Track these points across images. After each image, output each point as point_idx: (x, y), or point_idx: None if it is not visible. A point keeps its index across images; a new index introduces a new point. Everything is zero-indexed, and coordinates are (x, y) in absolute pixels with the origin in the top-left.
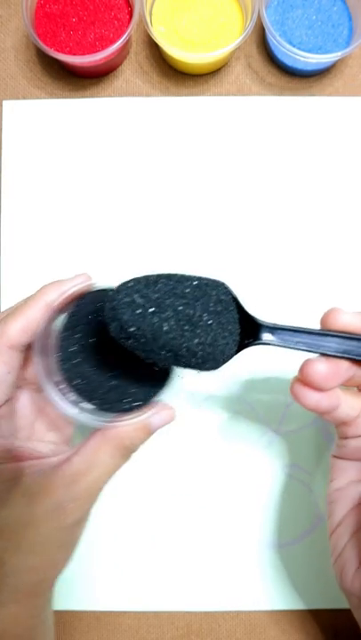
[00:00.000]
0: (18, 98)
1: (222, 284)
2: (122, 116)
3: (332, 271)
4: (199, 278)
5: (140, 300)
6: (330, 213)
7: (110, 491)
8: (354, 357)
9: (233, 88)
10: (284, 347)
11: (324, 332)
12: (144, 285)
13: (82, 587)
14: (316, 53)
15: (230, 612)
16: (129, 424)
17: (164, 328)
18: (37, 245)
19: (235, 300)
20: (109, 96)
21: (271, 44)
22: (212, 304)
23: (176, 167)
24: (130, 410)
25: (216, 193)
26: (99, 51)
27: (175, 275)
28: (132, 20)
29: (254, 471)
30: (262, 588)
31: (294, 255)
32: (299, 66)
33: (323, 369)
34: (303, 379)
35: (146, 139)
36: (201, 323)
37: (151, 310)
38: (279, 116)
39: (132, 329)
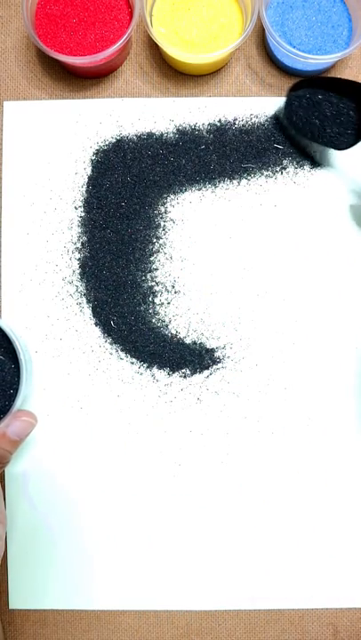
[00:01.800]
0: (18, 99)
1: None
2: (122, 117)
3: (333, 272)
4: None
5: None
6: (329, 213)
7: (109, 490)
8: None
9: (233, 88)
10: None
11: None
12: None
13: (82, 586)
14: (316, 54)
15: (230, 611)
16: None
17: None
18: (38, 245)
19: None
20: (110, 97)
21: (271, 44)
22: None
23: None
24: None
25: (216, 193)
26: (99, 51)
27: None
28: (132, 21)
29: (253, 471)
30: (262, 588)
31: (294, 258)
32: (298, 66)
33: None
34: None
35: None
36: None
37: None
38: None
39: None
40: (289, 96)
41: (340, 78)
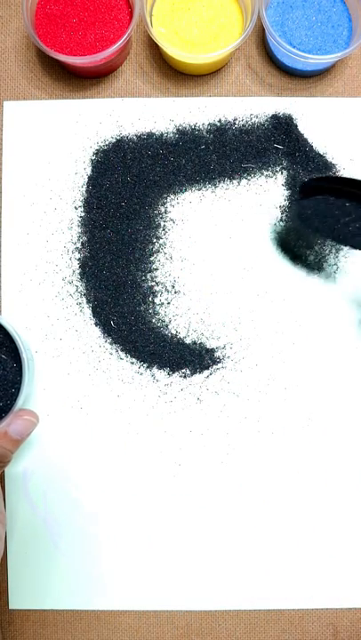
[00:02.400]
0: (18, 98)
1: None
2: (122, 117)
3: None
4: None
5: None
6: None
7: (109, 490)
8: None
9: (233, 88)
10: None
11: None
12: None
13: (82, 586)
14: (316, 54)
15: (230, 611)
16: None
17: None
18: (38, 245)
19: None
20: (110, 97)
21: (271, 44)
22: None
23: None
24: None
25: (216, 193)
26: (99, 51)
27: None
28: (132, 21)
29: (253, 471)
30: (262, 588)
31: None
32: (298, 66)
33: None
34: None
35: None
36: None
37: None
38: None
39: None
40: (301, 203)
41: (350, 178)
